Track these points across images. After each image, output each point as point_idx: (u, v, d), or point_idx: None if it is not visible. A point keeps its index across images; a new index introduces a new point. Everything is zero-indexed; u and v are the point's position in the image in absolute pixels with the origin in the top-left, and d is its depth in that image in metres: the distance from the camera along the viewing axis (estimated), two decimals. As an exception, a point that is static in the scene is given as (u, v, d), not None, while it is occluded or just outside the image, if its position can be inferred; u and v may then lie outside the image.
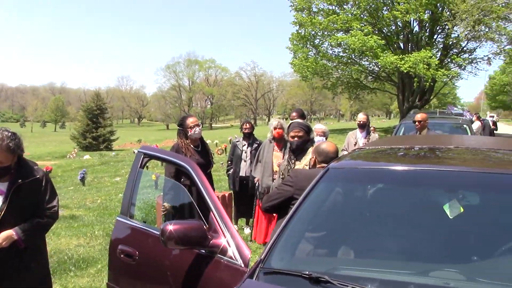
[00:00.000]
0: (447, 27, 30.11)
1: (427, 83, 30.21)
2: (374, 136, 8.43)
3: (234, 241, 2.78)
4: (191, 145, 5.53)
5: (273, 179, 6.43)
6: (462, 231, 2.49)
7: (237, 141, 7.90)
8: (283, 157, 6.38)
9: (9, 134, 3.18)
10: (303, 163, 4.88)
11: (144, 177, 4.09)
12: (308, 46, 32.86)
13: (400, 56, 27.85)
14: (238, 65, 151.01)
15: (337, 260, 2.49)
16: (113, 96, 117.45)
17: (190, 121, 5.55)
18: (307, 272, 2.15)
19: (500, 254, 2.30)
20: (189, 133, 5.50)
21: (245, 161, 7.65)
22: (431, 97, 37.58)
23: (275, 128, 6.55)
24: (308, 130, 5.11)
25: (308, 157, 4.88)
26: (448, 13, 28.73)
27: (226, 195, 7.13)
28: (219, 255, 2.78)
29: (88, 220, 8.63)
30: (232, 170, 7.76)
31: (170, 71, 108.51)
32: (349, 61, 33.12)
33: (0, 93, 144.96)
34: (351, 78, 34.45)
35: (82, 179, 13.37)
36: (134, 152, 3.63)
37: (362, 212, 2.83)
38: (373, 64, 33.54)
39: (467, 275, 2.18)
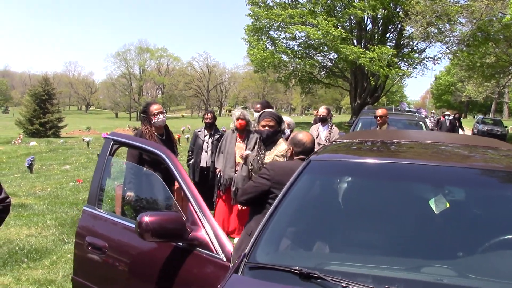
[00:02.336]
0: (399, 26, 30.90)
1: (379, 81, 30.95)
2: (336, 130, 8.46)
3: (214, 233, 2.65)
4: (155, 133, 5.35)
5: (235, 170, 6.34)
6: (449, 226, 2.47)
7: (198, 131, 7.76)
8: (246, 148, 6.31)
9: None
10: (274, 154, 4.79)
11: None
12: (263, 37, 32.86)
13: (361, 50, 28.31)
14: (190, 55, 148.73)
15: (325, 255, 2.42)
16: (60, 82, 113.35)
17: (154, 108, 5.36)
18: (297, 268, 2.06)
19: (489, 249, 2.29)
20: (153, 120, 5.32)
21: (206, 151, 7.53)
22: (382, 95, 38.47)
23: (237, 119, 6.45)
24: (279, 121, 5.01)
25: (279, 147, 4.80)
26: (401, 12, 29.39)
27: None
28: (198, 248, 2.65)
29: (39, 209, 8.24)
30: (192, 160, 7.61)
31: (120, 59, 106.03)
32: (303, 55, 33.38)
33: None
34: (304, 72, 34.74)
35: (30, 166, 12.78)
36: (103, 137, 3.42)
37: (347, 206, 2.78)
38: (327, 59, 34.03)
39: (458, 271, 2.16)
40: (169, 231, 2.57)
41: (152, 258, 2.83)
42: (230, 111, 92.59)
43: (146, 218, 2.51)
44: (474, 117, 59.92)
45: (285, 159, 4.60)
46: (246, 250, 2.32)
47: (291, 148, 3.93)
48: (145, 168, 4.82)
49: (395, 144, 3.25)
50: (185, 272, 2.65)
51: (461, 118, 26.59)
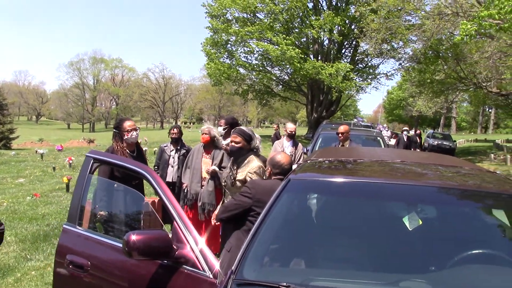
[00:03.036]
0: (354, 42, 31.82)
1: (334, 96, 31.72)
2: (300, 146, 8.65)
3: (200, 251, 2.74)
4: (127, 150, 5.35)
5: (201, 185, 6.39)
6: (423, 242, 2.65)
7: (165, 146, 7.78)
8: (212, 163, 6.37)
9: None
10: (246, 171, 4.89)
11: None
12: (221, 52, 33.06)
13: (322, 64, 28.93)
14: (146, 67, 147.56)
15: (309, 271, 2.54)
16: (10, 91, 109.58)
17: (128, 124, 5.35)
18: (285, 284, 2.18)
19: (460, 263, 2.47)
20: (126, 137, 5.30)
21: (172, 166, 7.56)
22: (337, 109, 39.32)
23: (202, 134, 6.52)
24: (248, 138, 5.06)
25: (251, 164, 4.89)
26: (355, 29, 30.28)
27: (156, 201, 6.95)
28: (185, 266, 2.72)
29: (-4, 225, 8.00)
30: (159, 175, 7.61)
31: (73, 68, 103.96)
32: (261, 68, 33.79)
33: None
34: (262, 85, 35.14)
35: (-18, 180, 12.42)
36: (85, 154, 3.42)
37: (326, 223, 2.92)
38: (284, 73, 34.57)
39: (432, 285, 2.32)
40: (156, 249, 2.63)
41: (138, 276, 2.87)
42: (185, 123, 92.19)
43: (133, 237, 2.57)
44: (424, 131, 62.01)
45: (258, 177, 4.72)
46: (233, 267, 2.41)
47: (269, 168, 4.06)
48: (118, 184, 4.78)
49: (369, 164, 3.43)
50: (171, 288, 2.72)
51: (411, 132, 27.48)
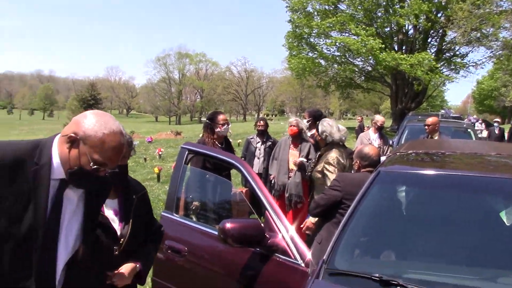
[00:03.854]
0: (441, 31, 30.46)
1: (421, 86, 30.55)
2: (387, 139, 8.50)
3: (292, 240, 2.82)
4: (217, 142, 5.54)
5: (288, 177, 6.47)
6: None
7: (251, 138, 7.94)
8: (300, 155, 6.43)
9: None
10: (323, 162, 4.99)
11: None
12: (303, 45, 32.90)
13: (401, 55, 28.02)
14: (229, 60, 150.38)
15: (401, 264, 2.55)
16: (102, 86, 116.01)
17: (221, 117, 5.55)
18: (377, 275, 2.20)
19: None
20: (218, 129, 5.49)
21: (258, 158, 7.69)
22: (424, 100, 37.91)
23: (289, 126, 6.57)
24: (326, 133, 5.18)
25: (328, 156, 4.97)
26: (442, 18, 29.00)
27: (244, 191, 7.15)
28: (277, 254, 2.82)
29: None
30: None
31: (160, 63, 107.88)
32: (343, 60, 33.26)
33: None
34: (344, 77, 34.59)
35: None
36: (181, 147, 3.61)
37: (417, 216, 2.89)
38: (367, 64, 33.79)
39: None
40: (250, 237, 2.76)
41: (232, 262, 3.01)
42: (267, 115, 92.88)
43: (228, 225, 2.71)
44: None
45: (333, 167, 4.83)
46: (325, 257, 2.47)
47: (357, 161, 4.07)
48: (210, 174, 4.94)
49: (461, 156, 3.34)
50: (264, 276, 2.83)
51: (504, 124, 25.78)
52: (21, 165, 1.77)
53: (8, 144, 1.85)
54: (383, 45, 28.50)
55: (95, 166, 1.80)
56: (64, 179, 1.84)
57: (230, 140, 6.39)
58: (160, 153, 16.47)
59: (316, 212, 3.96)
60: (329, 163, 4.98)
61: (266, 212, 2.94)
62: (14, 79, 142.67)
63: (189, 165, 3.78)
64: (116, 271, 2.32)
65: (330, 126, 5.22)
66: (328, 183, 4.64)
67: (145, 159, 16.08)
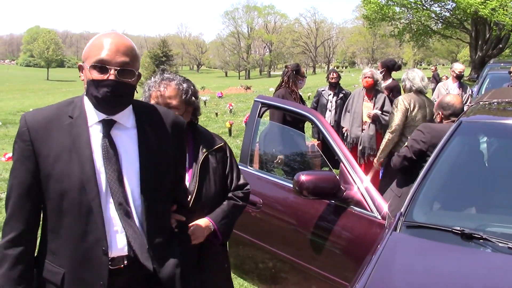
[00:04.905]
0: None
1: (503, 32, 28.57)
2: (468, 88, 8.08)
3: (368, 192, 2.78)
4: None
5: (362, 130, 6.35)
6: None
7: (322, 90, 7.82)
8: (374, 107, 6.28)
9: (181, 78, 2.43)
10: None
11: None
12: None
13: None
14: (298, 12, 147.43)
15: (482, 217, 2.45)
16: (173, 43, 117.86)
17: (302, 71, 5.58)
18: (459, 228, 2.12)
19: None
20: (300, 82, 5.52)
21: (330, 110, 7.59)
22: (506, 46, 35.56)
23: (364, 77, 6.38)
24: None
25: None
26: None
27: (316, 144, 7.13)
28: (353, 206, 2.79)
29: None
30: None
31: (229, 18, 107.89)
32: (419, 6, 31.65)
33: (65, 40, 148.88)
34: (420, 24, 33.00)
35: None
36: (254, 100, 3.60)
37: (499, 169, 2.76)
38: (445, 9, 31.98)
39: None
40: (324, 189, 2.74)
41: (307, 214, 3.02)
42: (337, 67, 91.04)
43: (303, 177, 2.71)
44: None
45: (396, 109, 5.22)
46: (402, 210, 2.41)
47: (439, 113, 3.88)
48: (291, 128, 4.90)
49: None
50: (340, 228, 2.82)
51: None
52: (56, 122, 1.78)
53: (48, 107, 1.87)
54: None
55: (98, 69, 1.72)
56: (103, 120, 1.80)
57: (301, 92, 6.37)
58: (231, 107, 16.64)
59: (403, 166, 3.76)
60: (394, 106, 5.29)
61: (341, 164, 2.91)
62: (90, 38, 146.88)
63: (262, 118, 3.78)
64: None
65: (415, 73, 5.36)
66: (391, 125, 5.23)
67: (216, 114, 16.33)
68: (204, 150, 2.40)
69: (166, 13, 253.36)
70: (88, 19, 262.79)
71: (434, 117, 4.16)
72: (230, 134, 11.91)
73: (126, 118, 1.84)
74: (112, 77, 1.72)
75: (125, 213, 1.77)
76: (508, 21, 25.47)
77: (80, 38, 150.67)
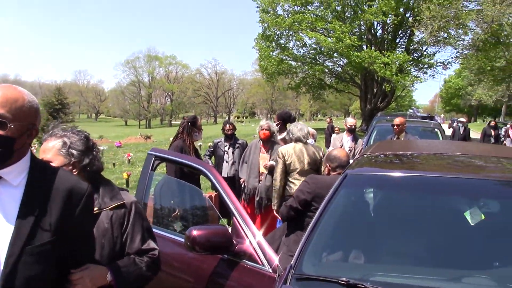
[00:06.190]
0: (409, 31, 31.01)
1: (389, 87, 31.00)
2: (360, 141, 8.56)
3: (259, 245, 2.79)
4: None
5: (259, 180, 6.46)
6: (485, 237, 2.59)
7: (218, 142, 7.85)
8: (270, 158, 6.42)
9: (73, 133, 2.29)
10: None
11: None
12: (273, 45, 33.08)
13: (377, 53, 28.37)
14: (199, 63, 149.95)
15: (368, 267, 2.54)
16: (70, 91, 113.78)
17: (199, 124, 5.61)
18: (345, 279, 2.18)
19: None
20: (196, 135, 5.53)
21: (227, 162, 7.64)
22: (392, 100, 38.53)
23: (261, 129, 6.55)
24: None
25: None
26: (411, 18, 29.51)
27: (213, 195, 7.10)
28: (244, 260, 2.79)
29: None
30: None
31: (129, 67, 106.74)
32: (313, 61, 33.55)
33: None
34: (315, 78, 34.94)
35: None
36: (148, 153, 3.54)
37: (385, 218, 2.89)
38: (337, 65, 34.22)
39: (497, 281, 2.27)
40: (216, 244, 2.72)
41: (200, 270, 2.96)
42: (238, 117, 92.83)
43: (195, 232, 2.67)
44: (483, 121, 59.56)
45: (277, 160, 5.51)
46: (292, 262, 2.45)
47: (327, 165, 4.07)
48: (178, 180, 4.90)
49: (428, 157, 3.38)
50: (234, 282, 2.79)
51: (470, 122, 26.39)
52: None
53: None
54: (358, 43, 28.87)
55: None
56: None
57: (199, 143, 6.41)
58: (129, 157, 16.28)
59: (290, 215, 3.91)
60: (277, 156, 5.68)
61: (233, 218, 2.91)
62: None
63: (156, 171, 3.71)
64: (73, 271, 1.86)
65: (293, 126, 5.77)
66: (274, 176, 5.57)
67: (113, 164, 15.87)
68: (96, 208, 2.19)
69: (63, 59, 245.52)
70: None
71: (322, 169, 4.36)
72: (127, 185, 11.57)
73: (14, 175, 1.72)
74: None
75: None
76: (395, 78, 27.72)
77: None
